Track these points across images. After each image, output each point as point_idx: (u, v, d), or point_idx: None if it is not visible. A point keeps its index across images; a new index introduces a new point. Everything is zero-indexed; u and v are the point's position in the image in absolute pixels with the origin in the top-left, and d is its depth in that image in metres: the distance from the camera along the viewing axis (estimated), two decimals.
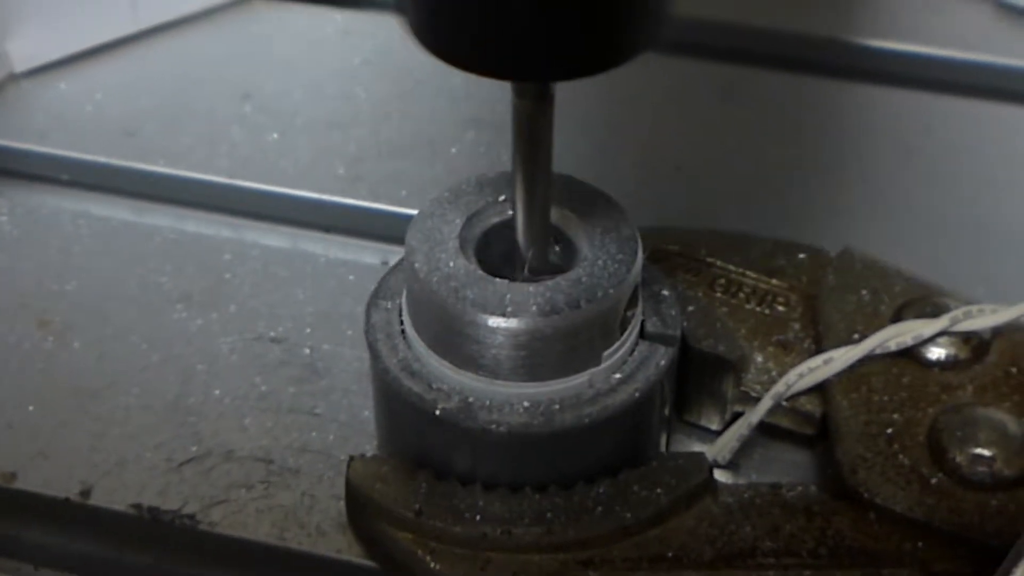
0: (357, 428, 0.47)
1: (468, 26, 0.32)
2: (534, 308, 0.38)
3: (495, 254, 0.41)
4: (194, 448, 0.46)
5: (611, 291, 0.39)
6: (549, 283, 0.39)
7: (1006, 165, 0.58)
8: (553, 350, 0.39)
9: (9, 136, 0.59)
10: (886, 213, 0.56)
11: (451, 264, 0.39)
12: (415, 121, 0.60)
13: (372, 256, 0.55)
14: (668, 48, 0.64)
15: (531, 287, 0.39)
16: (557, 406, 0.39)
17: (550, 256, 0.41)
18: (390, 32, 0.65)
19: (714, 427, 0.46)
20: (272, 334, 0.50)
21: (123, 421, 0.47)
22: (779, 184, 0.58)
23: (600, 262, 0.40)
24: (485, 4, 0.31)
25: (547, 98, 0.36)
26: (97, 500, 0.45)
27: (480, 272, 0.39)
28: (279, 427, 0.47)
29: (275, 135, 0.59)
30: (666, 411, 0.43)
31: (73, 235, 0.55)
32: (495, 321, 0.38)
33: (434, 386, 0.40)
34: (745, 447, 0.45)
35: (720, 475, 0.45)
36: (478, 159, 0.58)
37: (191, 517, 0.44)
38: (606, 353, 0.40)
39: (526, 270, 0.40)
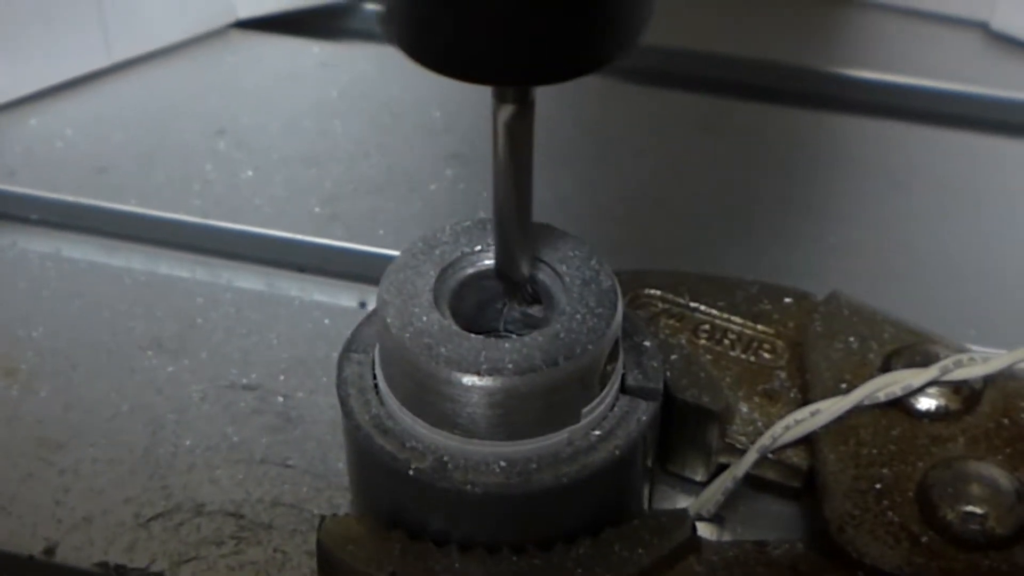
0: (331, 480, 0.46)
1: (448, 31, 0.32)
2: (510, 366, 0.37)
3: (470, 306, 0.40)
4: (163, 503, 0.45)
5: (590, 347, 0.38)
6: (526, 339, 0.38)
7: (997, 199, 0.57)
8: (530, 408, 0.37)
9: None
10: (874, 249, 0.55)
11: (424, 319, 0.38)
12: (393, 156, 0.59)
13: (349, 298, 0.53)
14: (656, 79, 0.63)
15: (507, 343, 0.37)
16: (535, 465, 0.38)
17: (525, 311, 0.40)
18: (368, 64, 0.64)
19: (698, 478, 0.45)
20: (245, 381, 0.49)
21: (90, 474, 0.46)
22: (765, 218, 0.56)
23: (579, 316, 0.38)
24: (465, 8, 0.31)
25: (528, 103, 0.36)
26: (62, 558, 0.44)
27: (454, 328, 0.38)
28: (251, 479, 0.46)
29: (250, 172, 0.58)
30: (649, 465, 0.42)
31: (41, 277, 0.54)
32: (469, 379, 0.37)
33: (407, 444, 0.39)
34: (730, 500, 0.44)
35: (704, 528, 0.44)
36: (457, 196, 0.57)
37: (160, 575, 0.43)
38: (585, 410, 0.39)
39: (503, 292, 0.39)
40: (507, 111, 0.36)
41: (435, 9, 0.32)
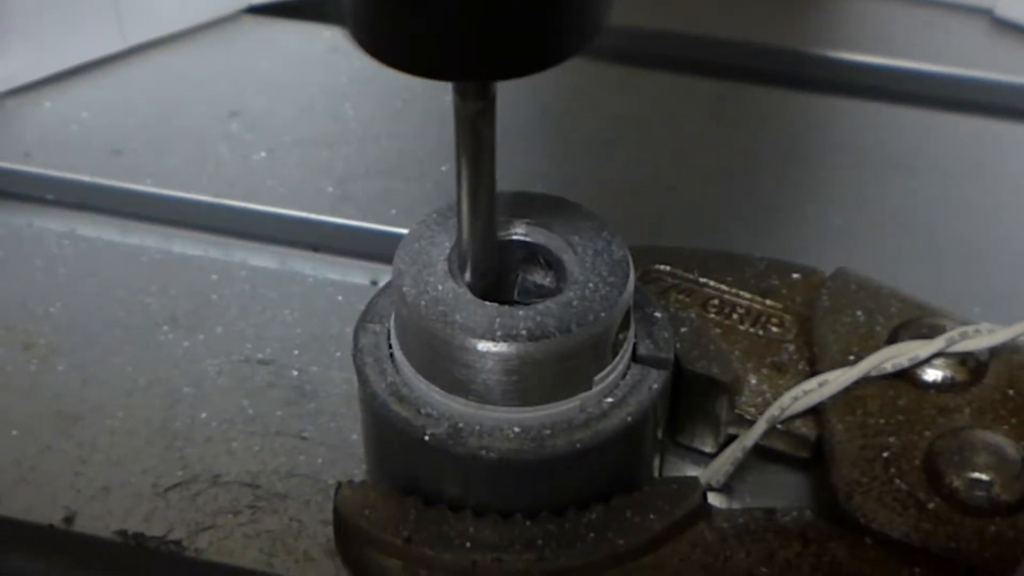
0: (345, 451, 0.46)
1: (405, 27, 0.32)
2: (524, 332, 0.38)
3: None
4: (180, 473, 0.46)
5: (602, 314, 0.38)
6: (539, 307, 0.38)
7: (1003, 182, 0.58)
8: (544, 374, 0.38)
9: None
10: (881, 231, 0.55)
11: (439, 287, 0.39)
12: (404, 139, 0.60)
13: (361, 275, 0.54)
14: (664, 64, 0.64)
15: (521, 311, 0.38)
16: (548, 431, 0.39)
17: (538, 280, 0.41)
18: None
19: (708, 449, 0.46)
20: (260, 356, 0.50)
21: (108, 446, 0.46)
22: (773, 202, 0.57)
23: (591, 285, 0.39)
24: (421, 5, 0.31)
25: (489, 98, 0.36)
26: (81, 527, 0.44)
27: (469, 295, 0.39)
28: (266, 451, 0.46)
29: (263, 153, 0.59)
30: (659, 435, 0.43)
31: (58, 256, 0.54)
32: (484, 345, 0.37)
33: (423, 411, 0.39)
34: (739, 470, 0.44)
35: (714, 499, 0.44)
36: None
37: (177, 543, 0.44)
38: (597, 377, 0.39)
39: (467, 277, 0.39)
40: (469, 107, 0.36)
41: (391, 7, 0.32)
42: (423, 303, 0.38)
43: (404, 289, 0.39)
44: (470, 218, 0.39)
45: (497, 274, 0.41)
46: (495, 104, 0.37)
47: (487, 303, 0.38)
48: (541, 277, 0.41)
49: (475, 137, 0.37)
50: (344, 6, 0.33)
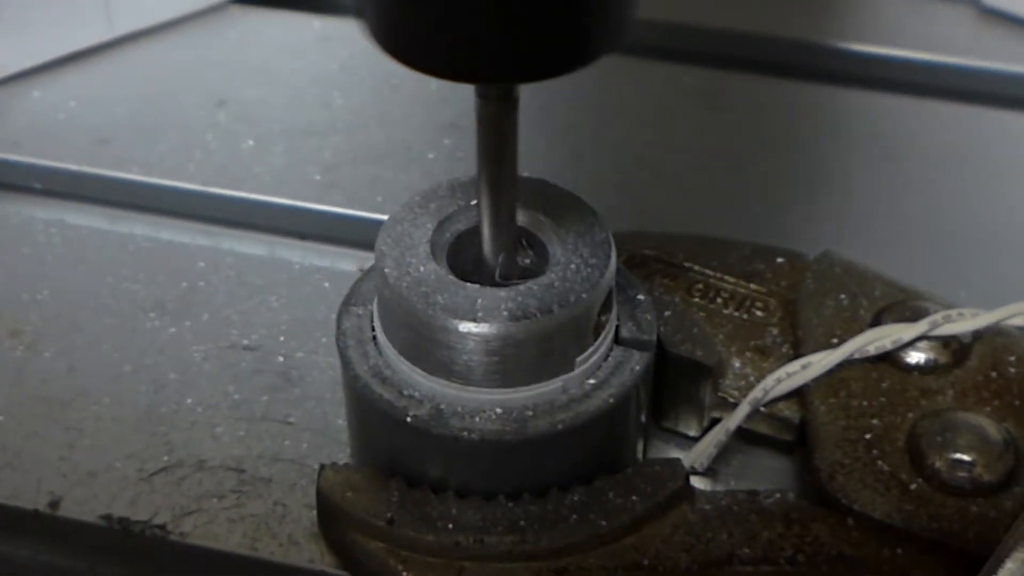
0: (330, 436, 0.46)
1: (429, 29, 0.31)
2: (505, 313, 0.38)
3: (466, 259, 0.41)
4: (165, 458, 0.46)
5: (584, 296, 0.38)
6: (521, 288, 0.38)
7: (988, 169, 0.58)
8: (525, 356, 0.38)
9: None
10: (866, 217, 0.55)
11: (421, 269, 0.39)
12: (392, 127, 0.60)
13: (348, 263, 0.54)
14: (649, 52, 0.64)
15: (502, 292, 0.38)
16: (530, 412, 0.39)
17: (519, 261, 0.41)
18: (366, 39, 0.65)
19: (692, 433, 0.46)
20: (245, 342, 0.50)
21: (94, 431, 0.47)
22: (759, 188, 0.57)
23: (573, 266, 0.39)
24: (445, 6, 0.31)
25: (511, 100, 0.36)
26: (67, 511, 0.44)
27: (451, 277, 0.39)
28: (251, 436, 0.46)
29: (251, 142, 0.59)
30: (642, 417, 0.43)
31: (45, 244, 0.54)
32: (466, 326, 0.38)
33: (405, 393, 0.39)
34: (723, 453, 0.44)
35: (697, 482, 0.44)
36: (455, 164, 0.57)
37: (162, 528, 0.44)
38: (580, 359, 0.39)
39: (496, 276, 0.40)
40: (491, 109, 0.36)
41: (416, 9, 0.31)
42: (405, 284, 0.39)
43: (386, 271, 0.39)
44: (491, 222, 0.39)
45: (478, 254, 0.41)
46: (518, 106, 0.36)
47: (468, 284, 0.38)
48: (523, 258, 0.41)
49: (497, 139, 0.37)
50: (363, 7, 0.33)
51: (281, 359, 0.49)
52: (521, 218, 0.41)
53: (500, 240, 0.39)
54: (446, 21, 0.31)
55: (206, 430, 0.47)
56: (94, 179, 0.57)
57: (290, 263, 0.53)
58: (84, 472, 0.45)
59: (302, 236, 0.55)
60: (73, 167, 0.57)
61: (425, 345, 0.39)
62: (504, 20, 0.31)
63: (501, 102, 0.36)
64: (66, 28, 0.62)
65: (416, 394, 0.39)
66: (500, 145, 0.37)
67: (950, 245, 0.54)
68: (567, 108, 0.61)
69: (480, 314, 0.38)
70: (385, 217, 0.53)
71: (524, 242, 0.41)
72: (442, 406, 0.39)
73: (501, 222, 0.39)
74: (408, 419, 0.39)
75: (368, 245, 0.53)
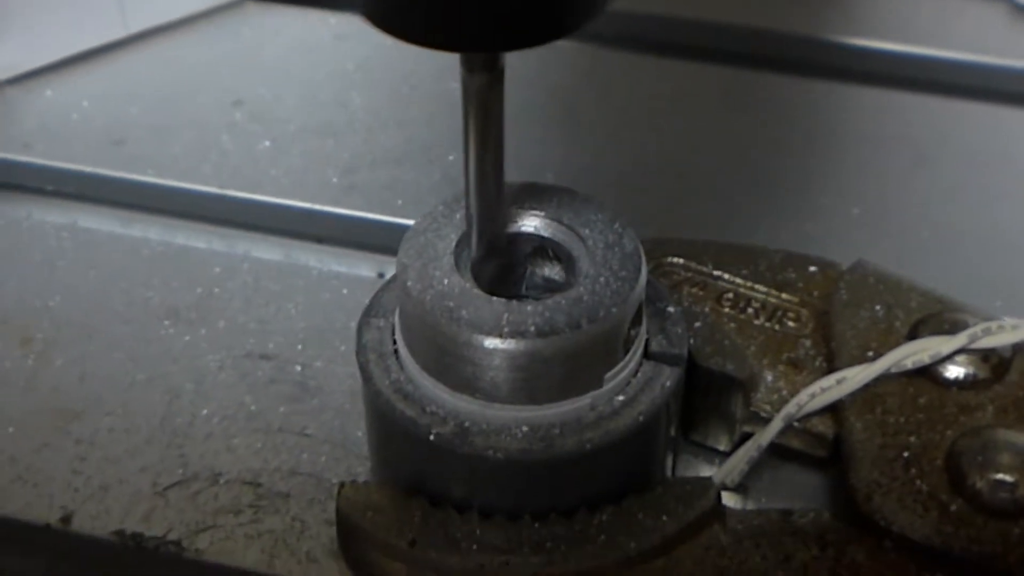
0: (350, 449, 0.45)
1: None
2: (533, 328, 0.36)
3: (492, 270, 0.40)
4: (180, 471, 0.45)
5: (614, 310, 0.37)
6: (548, 302, 0.37)
7: (1022, 170, 0.56)
8: (553, 372, 0.37)
9: None
10: (899, 222, 0.54)
11: (445, 282, 0.38)
12: (411, 128, 0.58)
13: (367, 268, 0.53)
14: (673, 50, 0.63)
15: (529, 306, 0.37)
16: (557, 430, 0.38)
17: (547, 274, 0.39)
18: (385, 37, 0.63)
19: (722, 448, 0.45)
20: (262, 351, 0.49)
21: (106, 443, 0.45)
22: (788, 192, 0.56)
23: (602, 279, 0.38)
24: None
25: (496, 71, 0.35)
26: (79, 526, 0.43)
27: (476, 290, 0.37)
28: (268, 448, 0.45)
29: (267, 143, 0.57)
30: (672, 433, 0.41)
31: (57, 248, 0.53)
32: (491, 342, 0.36)
33: (428, 410, 0.38)
34: (755, 469, 0.43)
35: (728, 498, 0.43)
36: None
37: (176, 544, 0.43)
38: (608, 374, 0.38)
39: (473, 259, 0.38)
40: (476, 80, 0.35)
41: None
42: (428, 298, 0.37)
43: (408, 284, 0.38)
44: (478, 198, 0.38)
45: (504, 265, 0.40)
46: (503, 78, 0.35)
47: (494, 298, 0.37)
48: (550, 271, 0.40)
49: (483, 112, 0.36)
50: None
51: (299, 368, 0.48)
52: (548, 229, 0.40)
53: (485, 220, 0.38)
54: None
55: (222, 442, 0.45)
56: (107, 181, 0.56)
57: (308, 268, 0.52)
58: (96, 486, 0.44)
59: (320, 240, 0.54)
60: (85, 169, 0.57)
61: (449, 360, 0.37)
62: None
63: (487, 72, 0.35)
64: (79, 25, 0.61)
65: (439, 411, 0.38)
66: (486, 118, 0.36)
67: (986, 251, 0.53)
68: (589, 109, 0.59)
69: (507, 329, 0.36)
70: (405, 221, 0.52)
71: (551, 253, 0.40)
72: (466, 423, 0.38)
73: (486, 202, 0.37)
74: (431, 437, 0.38)
75: (388, 249, 0.52)
